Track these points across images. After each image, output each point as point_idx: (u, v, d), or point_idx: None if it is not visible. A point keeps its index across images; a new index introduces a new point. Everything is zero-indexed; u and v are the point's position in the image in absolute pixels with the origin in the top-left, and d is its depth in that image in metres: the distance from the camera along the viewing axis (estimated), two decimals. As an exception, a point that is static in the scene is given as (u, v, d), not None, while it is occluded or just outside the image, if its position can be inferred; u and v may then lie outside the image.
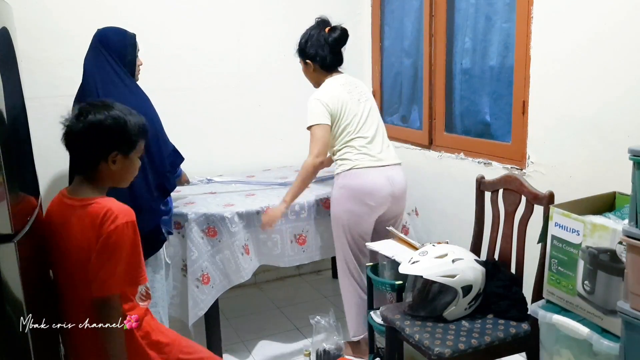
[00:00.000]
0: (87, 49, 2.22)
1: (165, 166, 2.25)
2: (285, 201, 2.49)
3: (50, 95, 2.68)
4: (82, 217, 1.55)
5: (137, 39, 2.30)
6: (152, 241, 2.26)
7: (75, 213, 1.57)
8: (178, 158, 2.36)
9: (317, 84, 2.61)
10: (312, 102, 2.50)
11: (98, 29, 2.26)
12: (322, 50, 2.53)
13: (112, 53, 2.21)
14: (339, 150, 2.51)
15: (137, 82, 2.34)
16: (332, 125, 2.49)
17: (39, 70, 2.73)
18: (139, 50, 2.33)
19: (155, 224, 2.25)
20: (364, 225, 2.51)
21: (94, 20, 2.46)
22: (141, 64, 2.34)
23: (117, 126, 1.59)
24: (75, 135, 1.58)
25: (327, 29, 2.56)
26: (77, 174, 1.64)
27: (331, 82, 2.56)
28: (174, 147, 2.34)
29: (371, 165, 2.47)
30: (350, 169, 2.47)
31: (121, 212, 1.55)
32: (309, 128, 2.49)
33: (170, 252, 2.50)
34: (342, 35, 2.57)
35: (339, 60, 2.60)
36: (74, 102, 2.22)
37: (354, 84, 2.59)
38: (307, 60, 2.56)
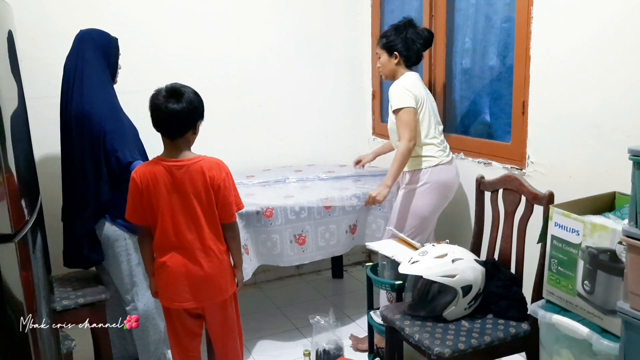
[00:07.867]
0: None
1: (104, 175, 2.19)
2: (388, 185, 2.56)
3: (50, 95, 2.67)
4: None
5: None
6: (75, 254, 2.26)
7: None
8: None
9: (392, 76, 2.67)
10: (397, 88, 2.56)
11: (81, 30, 2.27)
12: (412, 47, 2.62)
13: (97, 55, 2.21)
14: (421, 146, 2.58)
15: (116, 85, 2.34)
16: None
17: (39, 70, 2.72)
18: (120, 54, 2.33)
19: (81, 234, 2.23)
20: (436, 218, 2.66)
21: (94, 20, 2.46)
22: (120, 68, 2.34)
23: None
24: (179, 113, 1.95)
25: (417, 29, 2.65)
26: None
27: (412, 77, 2.62)
28: (135, 161, 2.21)
29: (449, 160, 2.61)
30: (437, 165, 2.56)
31: None
32: (395, 112, 2.55)
33: None
34: (430, 37, 2.70)
35: (419, 59, 2.70)
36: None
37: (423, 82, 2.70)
38: (395, 52, 2.62)
